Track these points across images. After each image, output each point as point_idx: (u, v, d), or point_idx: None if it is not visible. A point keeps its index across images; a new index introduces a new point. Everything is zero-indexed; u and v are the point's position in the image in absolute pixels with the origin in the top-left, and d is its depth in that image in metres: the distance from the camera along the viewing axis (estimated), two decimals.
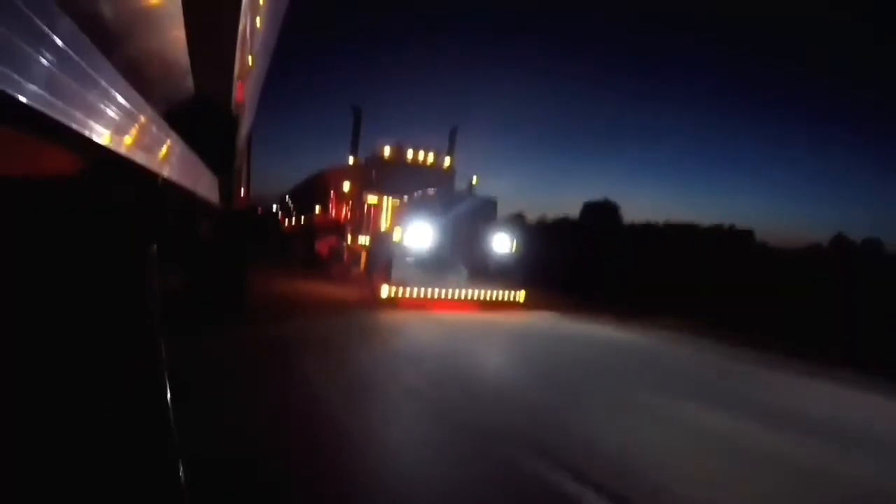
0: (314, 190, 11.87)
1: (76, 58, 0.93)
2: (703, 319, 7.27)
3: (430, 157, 9.40)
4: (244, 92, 3.79)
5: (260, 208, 17.50)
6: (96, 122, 1.06)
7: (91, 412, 1.20)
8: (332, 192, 10.40)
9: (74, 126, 0.94)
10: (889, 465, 2.80)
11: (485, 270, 8.00)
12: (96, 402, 1.23)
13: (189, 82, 2.83)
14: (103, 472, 1.17)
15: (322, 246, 10.65)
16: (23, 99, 0.73)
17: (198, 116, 2.86)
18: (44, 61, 0.80)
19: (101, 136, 1.09)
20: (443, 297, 7.44)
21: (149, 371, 1.31)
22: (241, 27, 2.28)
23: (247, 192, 8.62)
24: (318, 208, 11.42)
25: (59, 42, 0.86)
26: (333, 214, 10.44)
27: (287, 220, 14.42)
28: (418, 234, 7.70)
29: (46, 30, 0.81)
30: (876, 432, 3.28)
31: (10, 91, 0.69)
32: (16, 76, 0.70)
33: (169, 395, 1.30)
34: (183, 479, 1.21)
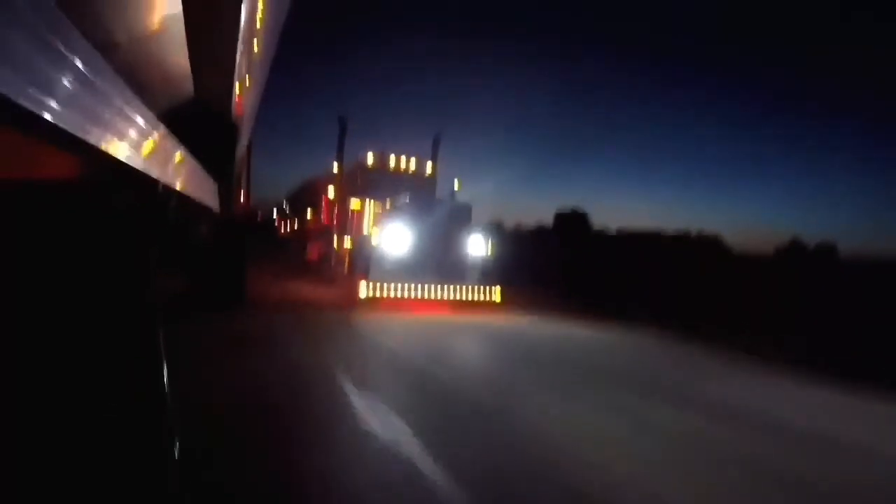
0: (306, 196, 12.42)
1: (77, 62, 0.94)
2: (662, 318, 7.92)
3: (412, 164, 9.85)
4: (244, 98, 3.80)
5: (260, 214, 17.61)
6: (97, 126, 1.07)
7: (91, 414, 1.21)
8: (321, 198, 10.76)
9: (75, 131, 0.94)
10: (754, 439, 3.10)
11: (460, 272, 8.34)
12: (96, 403, 1.23)
13: (189, 88, 2.84)
14: (102, 472, 1.16)
15: (313, 249, 11.11)
16: (23, 103, 0.74)
17: (198, 122, 2.87)
18: (45, 65, 0.80)
19: (102, 140, 1.10)
20: (419, 296, 7.80)
21: (149, 374, 1.31)
22: (241, 33, 2.29)
23: (247, 197, 8.63)
24: (310, 213, 11.85)
25: (60, 47, 0.86)
26: (323, 219, 10.77)
27: (283, 224, 14.95)
28: (396, 237, 8.05)
29: (48, 34, 0.81)
30: (781, 419, 3.58)
31: (9, 95, 0.69)
32: (16, 80, 0.71)
33: (168, 396, 1.30)
34: (182, 479, 1.21)
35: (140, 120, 1.38)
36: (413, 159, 9.88)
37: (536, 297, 9.39)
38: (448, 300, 7.90)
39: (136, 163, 1.34)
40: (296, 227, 13.23)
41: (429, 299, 7.83)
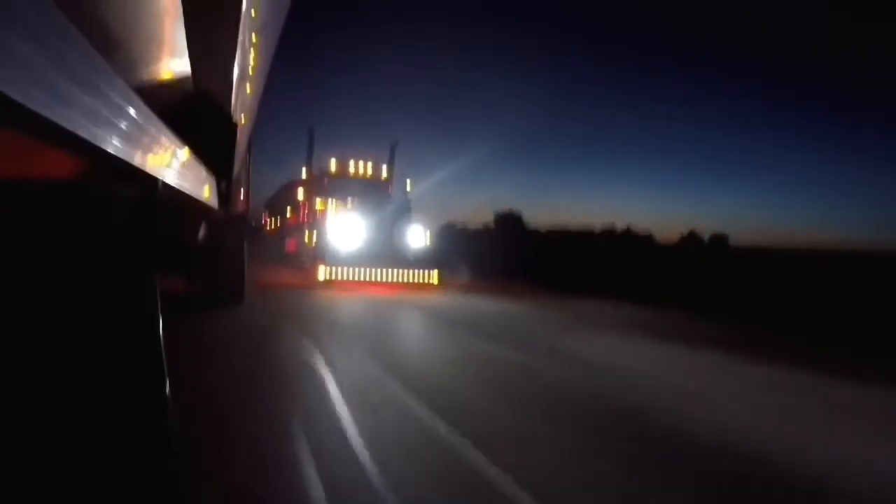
0: (285, 197, 14.58)
1: (75, 59, 0.93)
2: (560, 294, 10.36)
3: (370, 169, 11.80)
4: (244, 96, 3.79)
5: (253, 213, 18.53)
6: (96, 125, 1.05)
7: (90, 414, 1.20)
8: (296, 199, 12.68)
9: (74, 129, 0.93)
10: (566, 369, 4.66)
11: (403, 258, 10.31)
12: (96, 403, 1.22)
13: (189, 87, 2.83)
14: (102, 473, 1.16)
15: (290, 243, 13.30)
16: (21, 101, 0.72)
17: (198, 120, 2.86)
18: (42, 62, 0.79)
19: (101, 138, 1.09)
20: (369, 279, 9.72)
21: (149, 374, 1.30)
22: (241, 30, 2.28)
23: (247, 197, 8.63)
24: (289, 212, 13.91)
25: (57, 43, 0.85)
26: (297, 218, 12.79)
27: (269, 222, 17.57)
28: (348, 231, 10.19)
29: (44, 31, 0.80)
30: (588, 356, 5.18)
31: (6, 92, 0.68)
32: (12, 77, 0.70)
33: (169, 395, 1.29)
34: (182, 479, 1.20)
35: (140, 118, 1.37)
36: (370, 164, 11.78)
37: (471, 280, 11.49)
38: (393, 282, 9.79)
39: (136, 161, 1.33)
40: (278, 224, 15.59)
41: (377, 281, 9.73)
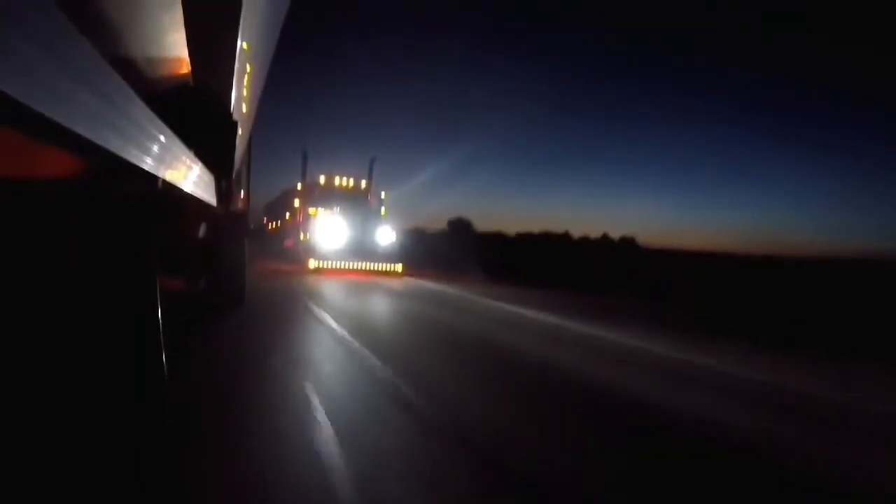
0: (283, 203, 17.51)
1: (76, 59, 0.93)
2: (495, 280, 14.20)
3: (352, 182, 15.12)
4: (244, 95, 3.79)
5: (253, 214, 20.03)
6: (95, 123, 1.05)
7: (91, 412, 1.20)
8: (293, 205, 15.71)
9: (74, 128, 0.93)
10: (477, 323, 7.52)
11: (375, 253, 13.50)
12: (96, 402, 1.22)
13: (189, 85, 2.83)
14: (102, 471, 1.16)
15: (288, 241, 16.14)
16: (19, 100, 0.73)
17: (198, 119, 2.85)
18: (42, 61, 0.79)
19: (100, 137, 1.09)
20: (348, 268, 12.93)
21: (149, 370, 1.30)
22: (241, 26, 2.28)
23: (247, 196, 8.61)
24: (287, 216, 16.73)
25: (58, 42, 0.85)
26: (294, 220, 15.71)
27: (270, 223, 20.55)
28: (332, 232, 13.49)
29: (45, 30, 0.80)
30: (504, 313, 8.58)
31: (6, 91, 0.68)
32: (13, 76, 0.70)
33: (169, 395, 1.29)
34: (182, 479, 1.21)
35: (139, 117, 1.38)
36: (352, 179, 15.10)
37: (428, 271, 14.90)
38: (366, 270, 13.00)
39: (136, 159, 1.33)
40: (278, 225, 18.70)
41: (354, 270, 12.94)
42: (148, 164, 1.48)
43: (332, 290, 10.04)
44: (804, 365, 5.86)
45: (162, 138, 1.70)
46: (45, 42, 0.78)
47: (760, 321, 9.57)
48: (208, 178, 3.58)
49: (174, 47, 2.17)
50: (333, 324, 6.21)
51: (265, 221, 21.27)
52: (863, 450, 3.37)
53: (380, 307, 8.68)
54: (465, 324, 7.31)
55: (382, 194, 15.15)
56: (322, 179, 14.70)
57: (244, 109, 4.08)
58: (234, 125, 3.53)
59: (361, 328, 6.18)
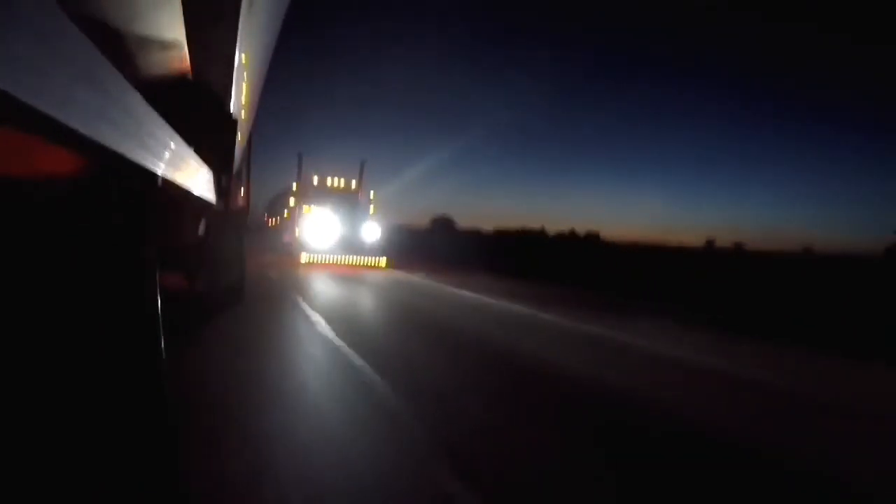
0: (281, 202, 19.01)
1: (75, 56, 0.92)
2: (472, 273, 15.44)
3: (343, 182, 16.43)
4: (244, 92, 3.78)
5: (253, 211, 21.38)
6: (95, 121, 1.05)
7: (90, 413, 1.20)
8: (289, 204, 17.04)
9: (73, 125, 0.93)
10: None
11: (361, 247, 15.06)
12: (95, 402, 1.22)
13: (189, 82, 2.82)
14: (101, 473, 1.16)
15: (285, 236, 17.32)
16: (19, 97, 0.72)
17: (197, 116, 2.85)
18: (42, 59, 0.79)
19: (100, 134, 1.08)
20: (336, 261, 14.44)
21: (149, 371, 1.30)
22: (240, 25, 2.27)
23: (247, 193, 8.61)
24: (285, 213, 18.10)
25: (57, 40, 0.84)
26: (291, 217, 16.98)
27: (270, 220, 22.12)
28: (322, 228, 15.00)
29: (44, 28, 0.79)
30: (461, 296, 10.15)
31: (5, 88, 0.67)
32: (12, 73, 0.69)
33: (168, 395, 1.29)
34: (182, 479, 1.20)
35: (139, 114, 1.37)
36: (343, 179, 16.41)
37: (408, 265, 16.04)
38: (352, 264, 14.47)
39: (135, 157, 1.33)
40: (276, 222, 20.28)
41: (341, 263, 14.39)
42: (148, 161, 1.48)
43: (317, 278, 11.68)
44: (638, 321, 7.82)
45: (162, 136, 1.69)
46: (45, 40, 0.78)
47: (671, 301, 10.84)
48: (208, 176, 3.57)
49: (174, 45, 2.16)
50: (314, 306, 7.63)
51: (266, 218, 22.80)
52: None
53: (358, 293, 10.00)
54: (422, 302, 9.05)
55: (371, 194, 16.42)
56: (316, 180, 16.07)
57: (244, 107, 4.08)
58: (234, 123, 3.52)
59: (334, 300, 8.69)
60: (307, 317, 6.61)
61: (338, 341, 5.15)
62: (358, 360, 4.38)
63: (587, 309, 8.89)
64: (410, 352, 5.10)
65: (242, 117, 4.07)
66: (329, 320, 6.27)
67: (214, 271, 6.22)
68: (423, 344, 5.55)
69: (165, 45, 2.09)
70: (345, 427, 3.00)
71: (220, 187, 4.87)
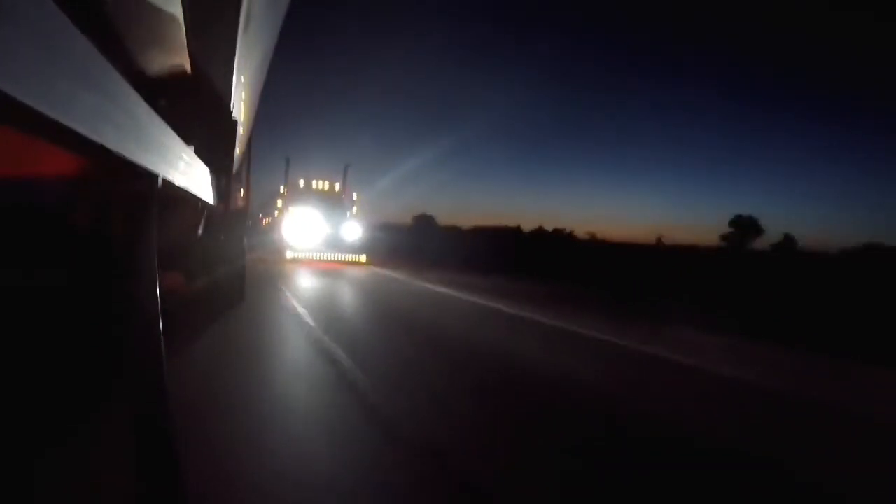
0: (272, 203, 19.97)
1: (74, 56, 0.92)
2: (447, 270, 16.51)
3: (326, 185, 17.66)
4: (244, 92, 3.78)
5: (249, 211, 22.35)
6: (95, 121, 1.05)
7: (90, 412, 1.20)
8: (278, 204, 18.23)
9: (72, 125, 0.93)
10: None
11: (342, 245, 16.33)
12: (95, 402, 1.22)
13: (189, 83, 2.82)
14: (101, 472, 1.16)
15: (275, 235, 18.05)
16: (18, 98, 0.72)
17: (197, 117, 2.85)
18: (41, 59, 0.79)
19: (101, 135, 1.08)
20: (320, 258, 15.84)
21: (149, 371, 1.30)
22: (240, 25, 2.27)
23: (247, 194, 8.61)
24: (276, 213, 18.98)
25: (56, 40, 0.84)
26: (280, 217, 18.11)
27: (262, 220, 23.52)
28: (308, 228, 16.27)
29: (43, 28, 0.79)
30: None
31: (4, 89, 0.67)
32: (11, 74, 0.69)
33: (168, 395, 1.29)
34: (182, 479, 1.21)
35: (139, 114, 1.37)
36: (327, 182, 17.63)
37: (387, 262, 17.48)
38: (336, 261, 15.87)
39: (135, 157, 1.33)
40: (268, 222, 21.29)
41: (325, 260, 15.85)
42: (148, 161, 1.48)
43: (300, 273, 13.06)
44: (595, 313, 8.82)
45: (162, 136, 1.69)
46: (46, 40, 0.78)
47: (628, 296, 11.90)
48: (208, 177, 3.57)
49: (174, 45, 2.16)
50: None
51: (260, 218, 25.12)
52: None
53: (337, 286, 11.20)
54: (392, 295, 10.34)
55: (354, 195, 17.94)
56: (302, 183, 17.41)
57: (244, 108, 4.08)
58: (234, 123, 3.52)
59: (313, 289, 10.24)
60: (286, 296, 8.62)
61: (300, 308, 7.28)
62: (312, 322, 6.42)
63: (534, 300, 10.21)
64: (356, 316, 7.38)
65: (242, 118, 4.07)
66: (297, 297, 8.47)
67: (214, 271, 6.21)
68: (372, 313, 7.89)
69: (165, 46, 2.09)
70: (292, 344, 5.67)
71: (220, 187, 4.87)
